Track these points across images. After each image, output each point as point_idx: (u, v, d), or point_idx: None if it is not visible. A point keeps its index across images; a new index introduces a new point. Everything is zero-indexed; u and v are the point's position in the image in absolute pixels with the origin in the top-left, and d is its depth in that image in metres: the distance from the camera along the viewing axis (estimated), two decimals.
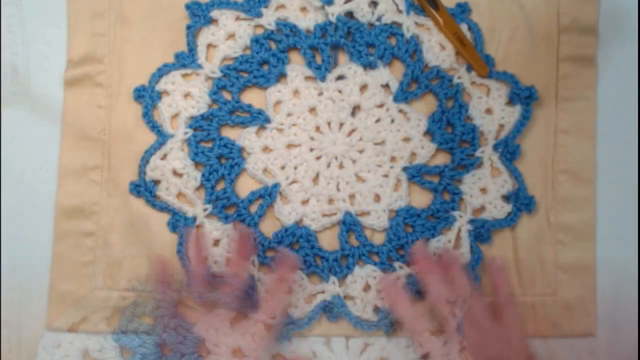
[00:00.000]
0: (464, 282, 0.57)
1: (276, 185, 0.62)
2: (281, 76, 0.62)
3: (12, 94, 0.63)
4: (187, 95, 0.62)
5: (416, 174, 0.62)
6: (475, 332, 0.56)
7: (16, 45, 0.63)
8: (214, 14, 0.62)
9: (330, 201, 0.62)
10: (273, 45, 0.62)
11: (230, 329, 0.56)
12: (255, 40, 0.62)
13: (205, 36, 0.62)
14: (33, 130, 0.63)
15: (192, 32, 0.62)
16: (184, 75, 0.62)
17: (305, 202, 0.62)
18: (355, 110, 0.63)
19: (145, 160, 0.62)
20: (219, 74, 0.62)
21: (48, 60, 0.63)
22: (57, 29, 0.63)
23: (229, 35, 0.62)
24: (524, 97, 0.61)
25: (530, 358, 0.56)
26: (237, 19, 0.62)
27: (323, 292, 0.61)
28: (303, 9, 0.63)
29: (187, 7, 0.62)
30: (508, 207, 0.62)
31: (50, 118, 0.63)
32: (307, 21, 0.62)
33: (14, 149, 0.63)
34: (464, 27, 0.62)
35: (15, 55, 0.63)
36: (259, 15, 0.62)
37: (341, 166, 0.62)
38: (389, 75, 0.62)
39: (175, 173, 0.62)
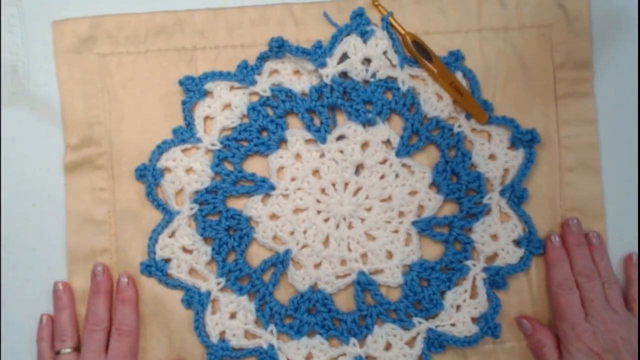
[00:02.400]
0: (609, 264, 0.61)
1: (287, 252, 0.62)
2: (281, 142, 0.62)
3: (12, 94, 0.62)
4: (189, 170, 0.62)
5: (426, 227, 0.62)
6: (609, 314, 0.58)
7: (16, 45, 0.62)
8: (208, 86, 0.61)
9: (343, 262, 0.62)
10: (270, 112, 0.62)
11: None
12: (252, 108, 0.62)
13: (202, 109, 0.62)
14: (33, 130, 0.62)
15: (187, 107, 0.61)
16: (184, 150, 0.62)
17: (317, 265, 0.62)
18: (358, 168, 0.62)
19: (153, 240, 0.61)
20: (218, 146, 0.62)
21: (48, 60, 0.63)
22: None
23: (225, 106, 0.62)
24: (526, 140, 0.61)
25: None
26: (232, 88, 0.62)
27: (344, 354, 0.61)
28: (296, 72, 0.62)
29: (181, 83, 0.61)
30: (520, 252, 0.62)
31: (50, 118, 0.62)
32: (301, 84, 0.62)
33: (14, 149, 0.63)
34: (458, 75, 0.62)
35: (15, 55, 0.62)
36: (253, 83, 0.62)
37: (350, 226, 0.62)
38: (389, 130, 0.62)
39: (185, 250, 0.61)
